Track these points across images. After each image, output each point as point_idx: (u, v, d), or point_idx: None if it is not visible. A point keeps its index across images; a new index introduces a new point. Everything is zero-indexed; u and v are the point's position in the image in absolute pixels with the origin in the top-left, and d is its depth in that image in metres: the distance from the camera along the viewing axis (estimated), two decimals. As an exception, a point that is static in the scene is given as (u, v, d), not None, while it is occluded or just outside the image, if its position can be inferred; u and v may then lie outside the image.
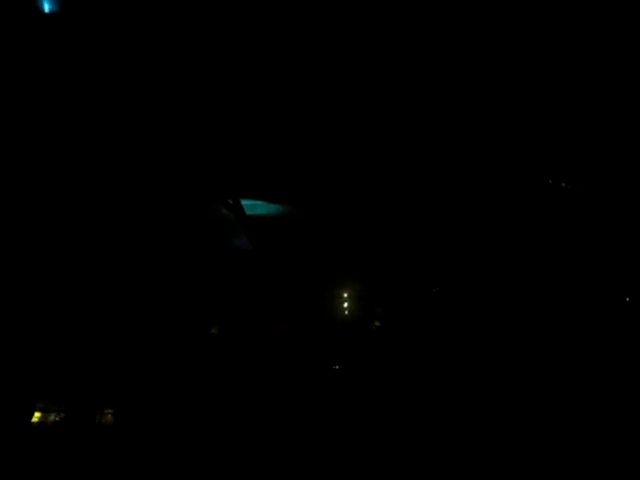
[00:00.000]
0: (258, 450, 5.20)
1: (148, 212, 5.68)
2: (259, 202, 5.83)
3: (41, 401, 5.30)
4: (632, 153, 5.66)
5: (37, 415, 5.28)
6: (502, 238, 5.76)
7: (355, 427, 5.36)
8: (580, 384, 5.28)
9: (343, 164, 5.91)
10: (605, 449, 4.98)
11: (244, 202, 5.77)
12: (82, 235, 5.54)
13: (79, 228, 5.52)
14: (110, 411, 5.43)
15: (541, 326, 5.52)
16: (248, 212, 5.79)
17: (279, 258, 5.89)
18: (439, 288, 5.84)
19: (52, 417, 5.32)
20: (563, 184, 5.81)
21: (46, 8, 5.40)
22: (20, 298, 5.31)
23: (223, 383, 5.57)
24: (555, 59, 5.63)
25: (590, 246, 5.65)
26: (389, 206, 5.93)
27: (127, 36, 5.43)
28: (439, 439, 5.20)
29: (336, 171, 5.92)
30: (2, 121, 5.36)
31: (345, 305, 5.95)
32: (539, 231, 5.72)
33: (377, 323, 5.89)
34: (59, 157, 5.47)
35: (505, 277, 5.69)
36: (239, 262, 5.85)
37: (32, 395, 5.27)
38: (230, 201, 5.76)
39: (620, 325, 5.47)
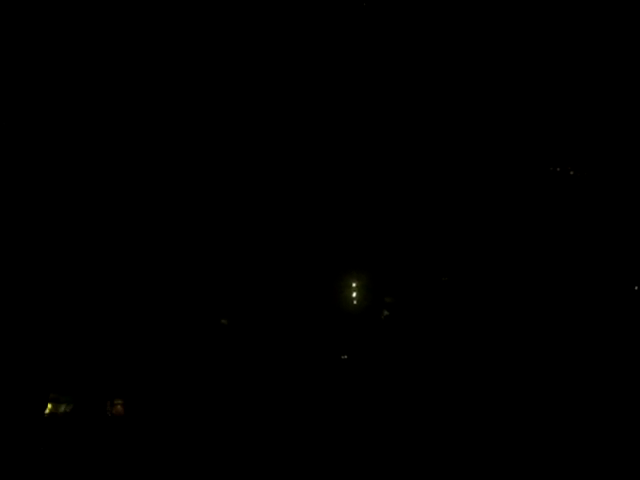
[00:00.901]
0: (269, 441, 5.23)
1: (153, 204, 5.68)
2: (264, 195, 5.83)
3: (52, 392, 5.33)
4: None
5: (49, 406, 5.31)
6: (514, 226, 5.75)
7: (365, 420, 5.39)
8: (590, 381, 5.29)
9: (350, 154, 5.90)
10: (607, 449, 5.00)
11: (251, 196, 5.78)
12: (91, 225, 5.54)
13: (92, 217, 5.53)
14: (120, 401, 5.45)
15: (556, 315, 5.53)
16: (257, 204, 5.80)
17: (286, 249, 5.89)
18: (448, 277, 5.83)
19: (63, 408, 5.34)
20: (572, 172, 5.80)
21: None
22: (30, 291, 5.32)
23: (232, 374, 5.59)
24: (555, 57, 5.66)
25: (600, 239, 5.65)
26: (397, 194, 5.92)
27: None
28: (451, 434, 5.22)
29: (342, 160, 5.91)
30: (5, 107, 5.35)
31: (354, 295, 5.94)
32: (550, 221, 5.71)
33: (386, 312, 5.88)
34: (71, 143, 5.48)
35: (517, 266, 5.68)
36: (247, 253, 5.85)
37: (45, 386, 5.29)
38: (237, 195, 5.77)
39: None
